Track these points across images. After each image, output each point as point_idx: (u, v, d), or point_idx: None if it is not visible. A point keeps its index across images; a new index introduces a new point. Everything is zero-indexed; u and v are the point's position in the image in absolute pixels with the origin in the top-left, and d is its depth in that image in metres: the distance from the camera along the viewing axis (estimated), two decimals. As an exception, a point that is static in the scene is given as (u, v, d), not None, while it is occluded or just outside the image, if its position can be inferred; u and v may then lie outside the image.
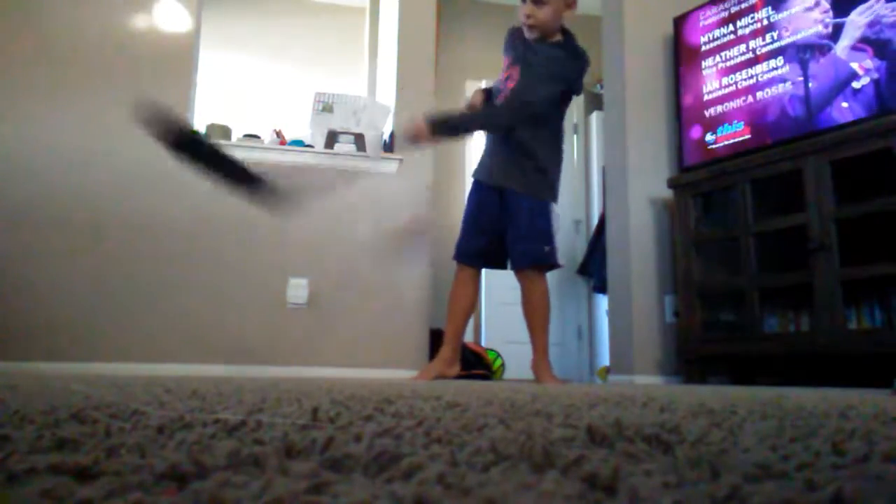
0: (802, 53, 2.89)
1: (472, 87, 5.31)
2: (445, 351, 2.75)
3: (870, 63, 2.61)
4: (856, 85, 2.65)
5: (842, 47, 2.75)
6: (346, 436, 0.44)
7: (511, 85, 2.62)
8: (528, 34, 2.62)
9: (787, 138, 2.96)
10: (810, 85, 2.77)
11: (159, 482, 0.28)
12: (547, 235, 2.67)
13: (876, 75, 2.60)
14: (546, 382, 2.66)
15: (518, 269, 2.69)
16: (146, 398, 0.83)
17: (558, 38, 2.64)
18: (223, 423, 0.51)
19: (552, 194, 2.73)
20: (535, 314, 2.71)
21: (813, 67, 2.82)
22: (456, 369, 2.82)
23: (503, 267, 2.84)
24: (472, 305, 2.81)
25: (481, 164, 2.77)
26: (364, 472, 0.32)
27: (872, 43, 2.62)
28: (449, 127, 2.60)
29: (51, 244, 2.97)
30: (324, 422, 0.55)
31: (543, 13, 2.54)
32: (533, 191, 2.66)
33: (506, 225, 2.68)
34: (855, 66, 2.64)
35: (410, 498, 0.25)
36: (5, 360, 2.81)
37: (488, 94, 2.78)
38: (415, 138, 2.50)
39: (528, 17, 2.56)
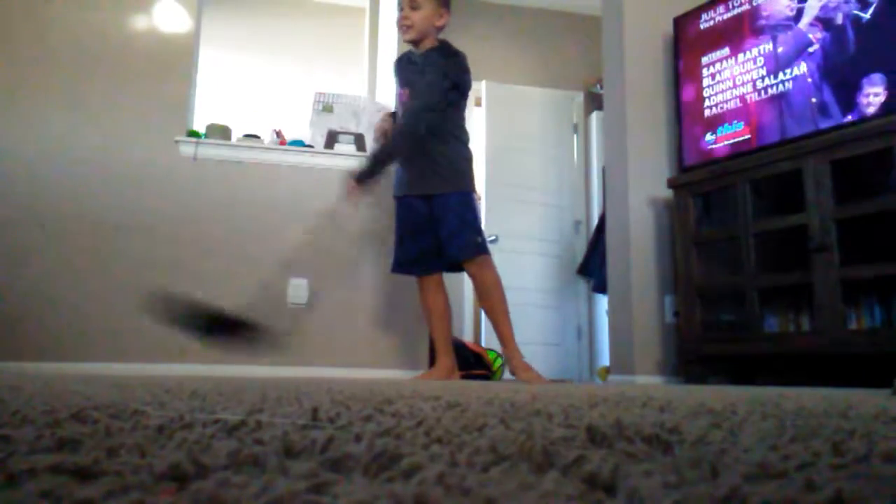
0: (781, 32, 3.02)
1: (472, 87, 5.32)
2: (446, 361, 2.80)
3: (819, 34, 2.83)
4: (810, 49, 2.86)
5: (803, 23, 2.92)
6: (346, 436, 0.44)
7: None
8: (405, 36, 2.81)
9: (787, 138, 2.96)
10: (779, 50, 3.01)
11: (159, 482, 0.28)
12: (476, 226, 2.77)
13: (822, 42, 2.83)
14: (525, 376, 2.67)
15: (464, 262, 2.76)
16: (146, 398, 0.83)
17: (434, 44, 2.84)
18: (223, 423, 0.51)
19: (471, 184, 2.85)
20: (494, 303, 2.74)
21: (781, 39, 3.02)
22: (457, 376, 2.86)
23: (440, 270, 2.89)
24: (449, 309, 2.91)
25: (398, 180, 2.88)
26: (364, 472, 0.32)
27: (821, 20, 2.84)
28: (372, 170, 2.70)
29: (51, 244, 2.97)
30: (324, 422, 0.55)
31: (418, 16, 2.75)
32: (454, 185, 2.76)
33: (437, 228, 2.80)
34: (810, 36, 2.87)
35: (410, 498, 0.25)
36: (5, 360, 2.81)
37: (394, 116, 2.97)
38: (352, 195, 2.70)
39: (405, 18, 2.75)
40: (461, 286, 5.01)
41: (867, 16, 2.65)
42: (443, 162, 2.77)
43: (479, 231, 2.78)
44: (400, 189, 2.87)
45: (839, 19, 2.70)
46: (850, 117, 2.70)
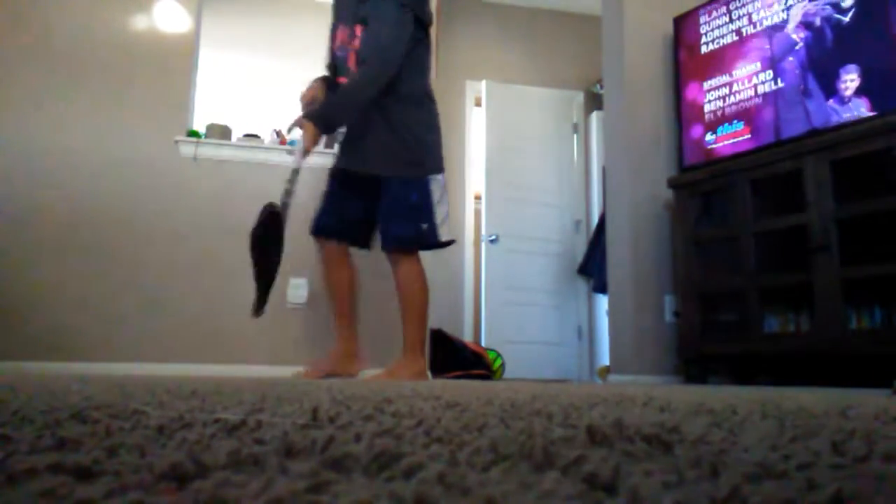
0: (775, 32, 3.16)
1: (472, 87, 5.32)
2: (343, 347, 2.45)
3: (802, 34, 3.03)
4: (796, 48, 3.04)
5: (790, 26, 3.06)
6: (346, 435, 0.44)
7: (357, 43, 2.40)
8: None
9: (787, 138, 2.97)
10: (774, 50, 3.16)
11: (159, 482, 0.28)
12: (423, 211, 2.37)
13: (806, 41, 3.02)
14: (394, 377, 2.34)
15: (386, 251, 2.44)
16: (146, 398, 0.83)
17: None
18: (223, 423, 0.51)
19: (429, 167, 2.41)
20: (405, 301, 2.44)
21: (775, 40, 3.16)
22: (357, 367, 2.49)
23: (366, 247, 2.59)
24: (354, 286, 2.52)
25: (340, 150, 2.56)
26: (364, 471, 0.32)
27: (804, 23, 3.02)
28: (335, 117, 2.37)
29: (51, 244, 2.97)
30: (324, 422, 0.55)
31: None
32: (402, 171, 2.38)
33: (375, 207, 2.46)
34: (794, 37, 3.05)
35: (410, 498, 0.25)
36: (5, 360, 2.81)
37: (327, 81, 2.58)
38: (312, 144, 2.35)
39: None
40: (460, 283, 5.02)
41: (846, 19, 2.84)
42: (390, 137, 2.37)
43: (424, 218, 2.36)
44: (340, 161, 2.54)
45: (818, 22, 2.95)
46: (832, 101, 2.84)
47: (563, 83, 5.46)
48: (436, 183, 2.42)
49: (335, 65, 2.57)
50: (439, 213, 2.41)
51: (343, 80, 2.47)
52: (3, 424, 0.48)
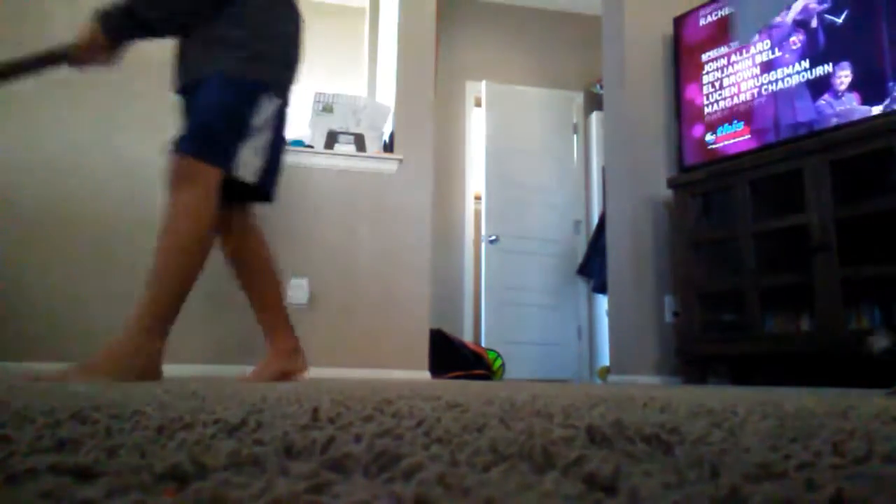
0: (774, 32, 3.22)
1: (472, 88, 5.32)
2: (280, 340, 2.03)
3: (801, 36, 3.07)
4: (794, 47, 3.07)
5: (789, 18, 3.12)
6: (346, 436, 0.44)
7: None
8: None
9: (787, 138, 2.97)
10: (774, 49, 3.22)
11: (159, 482, 0.28)
12: (232, 122, 1.77)
13: (803, 41, 3.07)
14: (77, 376, 1.57)
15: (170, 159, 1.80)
16: (146, 398, 0.83)
17: None
18: (223, 423, 0.51)
19: (265, 75, 1.83)
20: (162, 240, 1.81)
21: (775, 39, 3.21)
22: (302, 362, 2.03)
23: (239, 203, 2.02)
24: (266, 262, 2.02)
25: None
26: (364, 472, 0.32)
27: (800, 23, 3.07)
28: (127, 23, 1.80)
29: (51, 244, 2.97)
30: (324, 422, 0.55)
31: None
32: (226, 65, 1.78)
33: None
34: (793, 38, 3.11)
35: (410, 498, 0.25)
36: (5, 360, 2.81)
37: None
38: (86, 50, 1.81)
39: None
40: (460, 283, 5.01)
41: (840, 20, 2.91)
42: (227, 26, 1.79)
43: (231, 131, 1.75)
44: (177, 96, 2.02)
45: (814, 23, 3.02)
46: (827, 94, 2.89)
47: (563, 83, 5.46)
48: (269, 103, 1.85)
49: None
50: (253, 146, 1.80)
51: None
52: (3, 424, 0.48)
